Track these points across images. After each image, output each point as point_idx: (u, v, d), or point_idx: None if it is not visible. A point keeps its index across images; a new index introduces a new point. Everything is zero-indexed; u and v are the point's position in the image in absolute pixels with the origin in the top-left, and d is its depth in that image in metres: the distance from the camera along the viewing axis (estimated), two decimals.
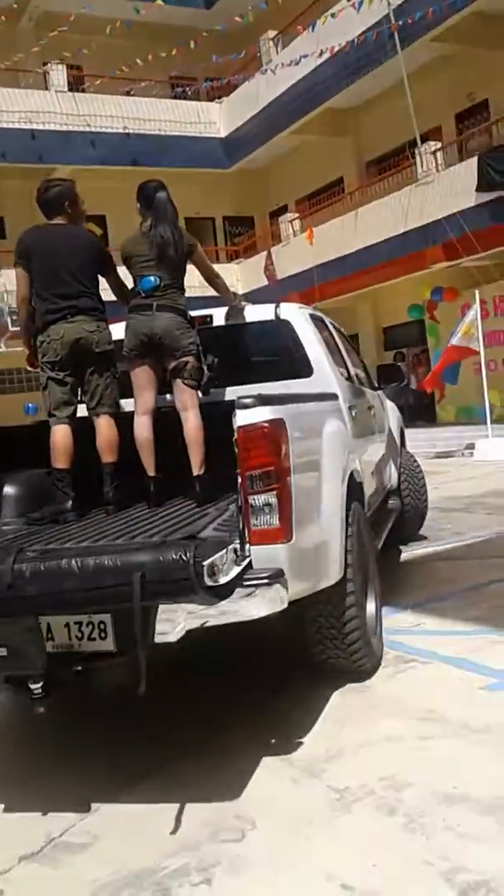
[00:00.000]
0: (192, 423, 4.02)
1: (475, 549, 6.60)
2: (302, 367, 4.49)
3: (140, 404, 4.15)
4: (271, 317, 4.65)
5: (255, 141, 21.49)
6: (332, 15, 15.95)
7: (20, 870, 2.56)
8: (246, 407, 2.95)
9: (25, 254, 4.16)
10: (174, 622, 2.80)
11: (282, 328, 4.62)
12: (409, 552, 6.68)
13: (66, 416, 4.09)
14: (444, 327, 17.28)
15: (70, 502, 3.92)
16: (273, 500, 2.93)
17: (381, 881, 2.28)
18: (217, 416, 3.69)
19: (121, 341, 4.19)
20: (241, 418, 2.94)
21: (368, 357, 19.58)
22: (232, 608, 2.77)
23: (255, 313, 4.75)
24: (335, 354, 4.81)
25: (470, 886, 2.21)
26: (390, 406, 6.61)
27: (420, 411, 17.97)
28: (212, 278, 4.53)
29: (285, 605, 2.93)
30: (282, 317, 4.64)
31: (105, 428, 4.11)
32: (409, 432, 16.52)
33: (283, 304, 4.71)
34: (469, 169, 14.76)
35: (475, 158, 14.67)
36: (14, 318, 16.83)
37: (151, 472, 4.06)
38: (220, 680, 4.08)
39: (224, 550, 2.78)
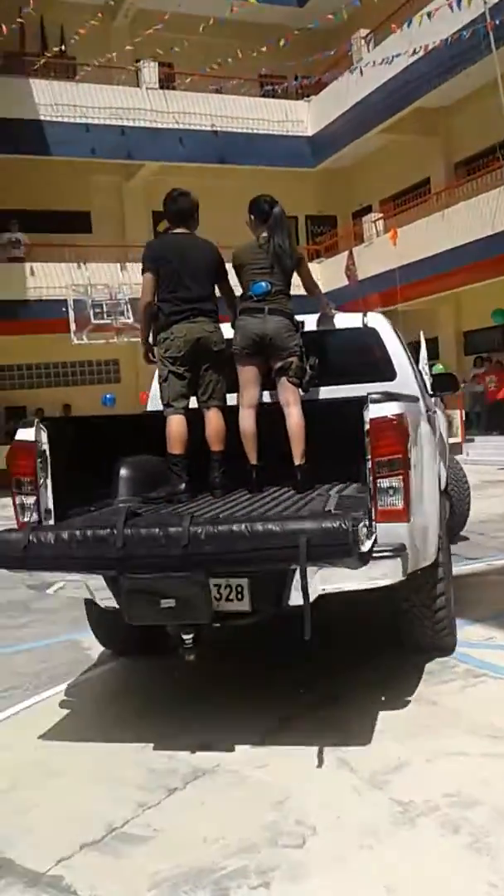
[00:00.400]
0: (295, 418, 4.33)
1: None
2: (387, 371, 4.87)
3: (246, 399, 4.46)
4: (359, 324, 5.05)
5: (343, 140, 21.30)
6: (429, 15, 15.61)
7: (81, 857, 2.60)
8: (377, 402, 3.36)
9: (155, 260, 4.52)
10: (300, 590, 3.09)
11: (369, 335, 5.01)
12: (480, 563, 6.52)
13: (181, 407, 4.41)
14: None
15: (184, 485, 4.23)
16: (398, 484, 3.33)
17: None
18: (319, 412, 4.31)
19: (229, 340, 4.51)
20: (374, 411, 3.34)
21: (448, 361, 19.21)
22: (362, 576, 3.18)
23: (345, 320, 5.11)
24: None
25: None
26: (440, 412, 6.73)
27: (497, 420, 17.50)
28: (312, 288, 4.87)
29: (404, 577, 3.32)
30: (369, 325, 5.03)
31: (214, 420, 4.45)
32: (484, 441, 16.17)
33: (370, 313, 5.09)
34: None
35: None
36: (96, 311, 17.16)
37: (254, 461, 4.38)
38: (283, 673, 4.06)
39: (362, 524, 3.13)
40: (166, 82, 20.95)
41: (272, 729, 3.47)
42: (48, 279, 18.50)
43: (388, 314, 19.05)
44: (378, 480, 3.33)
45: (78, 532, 3.36)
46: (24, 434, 3.81)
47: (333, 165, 22.66)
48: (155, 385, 4.83)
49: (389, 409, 3.36)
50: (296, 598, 3.12)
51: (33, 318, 18.14)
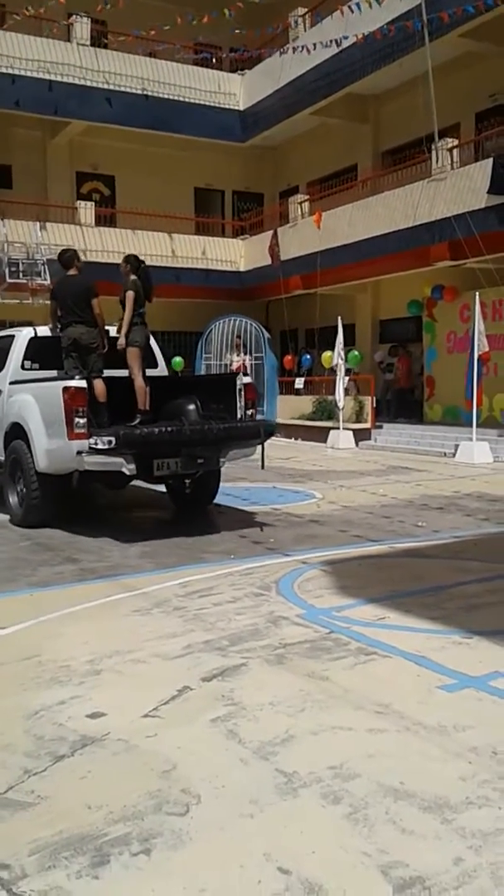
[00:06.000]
0: (146, 385, 7.84)
1: (447, 548, 6.63)
2: (153, 362, 8.61)
3: (141, 370, 7.82)
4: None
5: (274, 117, 21.24)
6: (378, 1, 15.50)
7: None
8: (245, 376, 8.12)
9: (55, 293, 8.11)
10: (223, 459, 7.38)
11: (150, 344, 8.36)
12: (381, 546, 6.70)
13: (78, 377, 7.21)
14: (441, 326, 17.25)
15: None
16: (253, 410, 7.79)
17: (318, 868, 2.30)
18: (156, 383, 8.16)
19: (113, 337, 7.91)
20: (245, 380, 7.91)
21: (364, 348, 19.52)
22: (250, 451, 7.65)
23: None
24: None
25: (405, 882, 2.23)
26: None
27: (406, 408, 17.94)
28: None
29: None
30: (150, 340, 8.35)
31: (99, 384, 7.51)
32: (390, 427, 16.50)
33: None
34: (483, 170, 14.66)
35: (490, 160, 14.57)
36: (12, 269, 16.65)
37: (144, 406, 7.74)
38: (183, 638, 4.09)
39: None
40: (98, 40, 20.36)
41: (165, 699, 3.49)
42: None
43: (308, 297, 19.02)
44: (247, 410, 7.76)
45: (165, 427, 7.15)
46: (79, 383, 6.97)
47: (263, 142, 22.61)
48: None
49: (248, 380, 8.02)
50: (221, 462, 7.45)
51: None
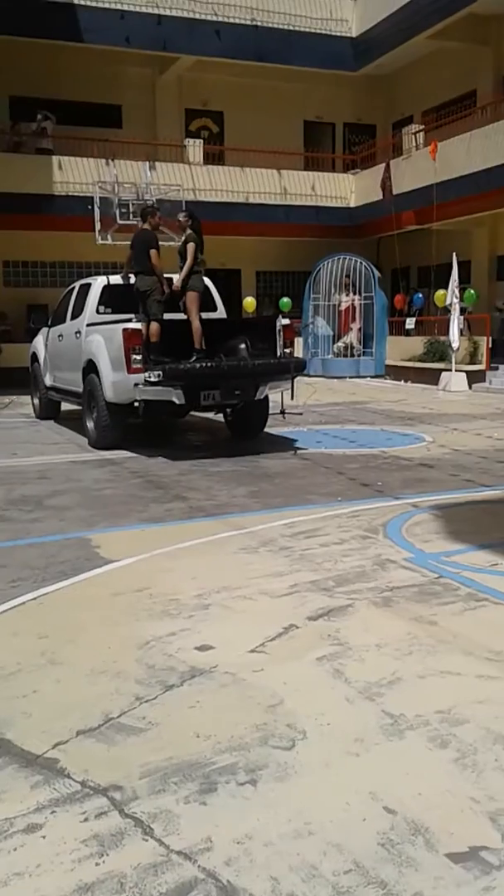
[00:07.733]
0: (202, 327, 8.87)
1: None
2: (212, 305, 9.63)
3: (198, 314, 8.77)
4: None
5: (388, 43, 20.25)
6: None
7: (76, 743, 2.67)
8: (284, 317, 9.53)
9: (131, 243, 9.01)
10: (263, 390, 8.44)
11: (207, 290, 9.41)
12: (494, 491, 6.50)
13: (135, 320, 8.37)
14: None
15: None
16: (291, 348, 9.01)
17: (424, 810, 2.28)
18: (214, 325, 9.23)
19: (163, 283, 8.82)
20: (283, 321, 9.05)
21: (479, 285, 18.75)
22: (286, 384, 8.79)
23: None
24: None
25: None
26: None
27: None
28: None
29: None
30: (209, 286, 9.47)
31: (153, 327, 8.35)
32: None
33: (205, 278, 9.14)
34: None
35: None
36: (122, 210, 16.74)
37: (199, 346, 8.67)
38: (290, 577, 4.11)
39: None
40: None
41: (272, 636, 3.52)
42: (75, 174, 18.05)
43: (422, 233, 18.39)
44: (285, 348, 8.79)
45: (205, 363, 8.15)
46: (135, 325, 8.19)
47: (376, 71, 21.70)
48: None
49: (288, 320, 9.14)
50: (258, 395, 8.37)
51: (58, 215, 17.78)
